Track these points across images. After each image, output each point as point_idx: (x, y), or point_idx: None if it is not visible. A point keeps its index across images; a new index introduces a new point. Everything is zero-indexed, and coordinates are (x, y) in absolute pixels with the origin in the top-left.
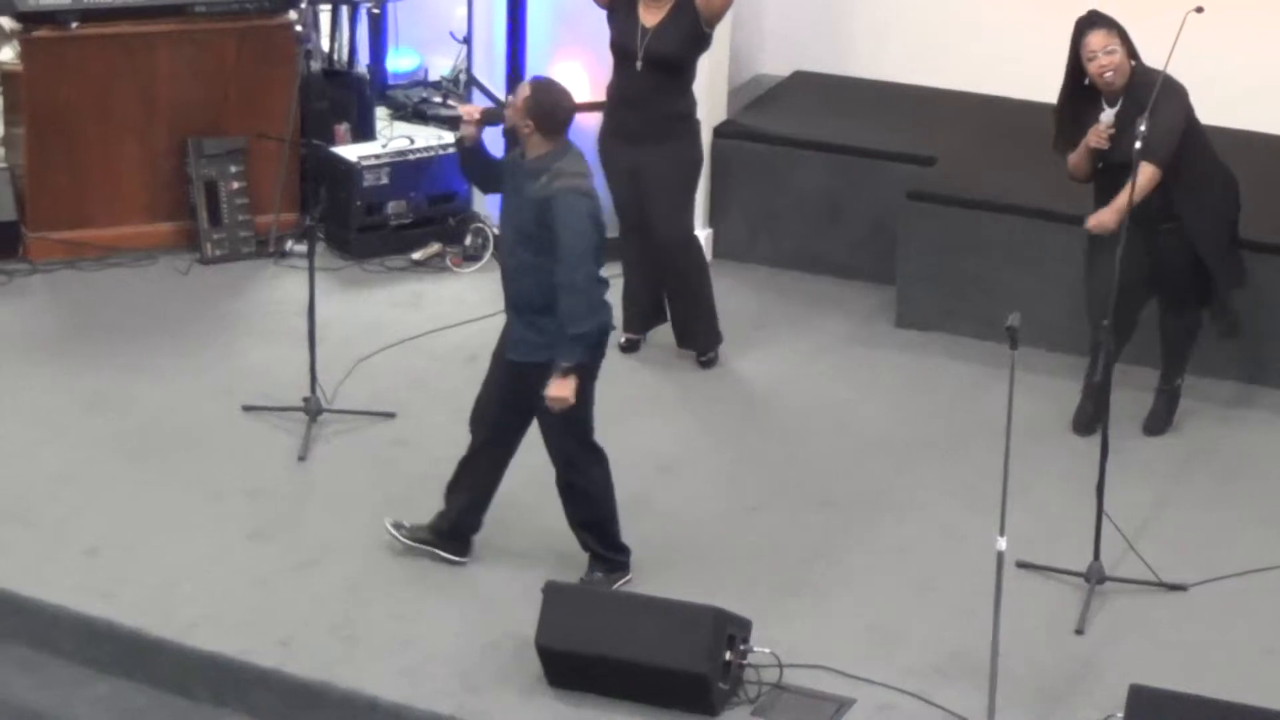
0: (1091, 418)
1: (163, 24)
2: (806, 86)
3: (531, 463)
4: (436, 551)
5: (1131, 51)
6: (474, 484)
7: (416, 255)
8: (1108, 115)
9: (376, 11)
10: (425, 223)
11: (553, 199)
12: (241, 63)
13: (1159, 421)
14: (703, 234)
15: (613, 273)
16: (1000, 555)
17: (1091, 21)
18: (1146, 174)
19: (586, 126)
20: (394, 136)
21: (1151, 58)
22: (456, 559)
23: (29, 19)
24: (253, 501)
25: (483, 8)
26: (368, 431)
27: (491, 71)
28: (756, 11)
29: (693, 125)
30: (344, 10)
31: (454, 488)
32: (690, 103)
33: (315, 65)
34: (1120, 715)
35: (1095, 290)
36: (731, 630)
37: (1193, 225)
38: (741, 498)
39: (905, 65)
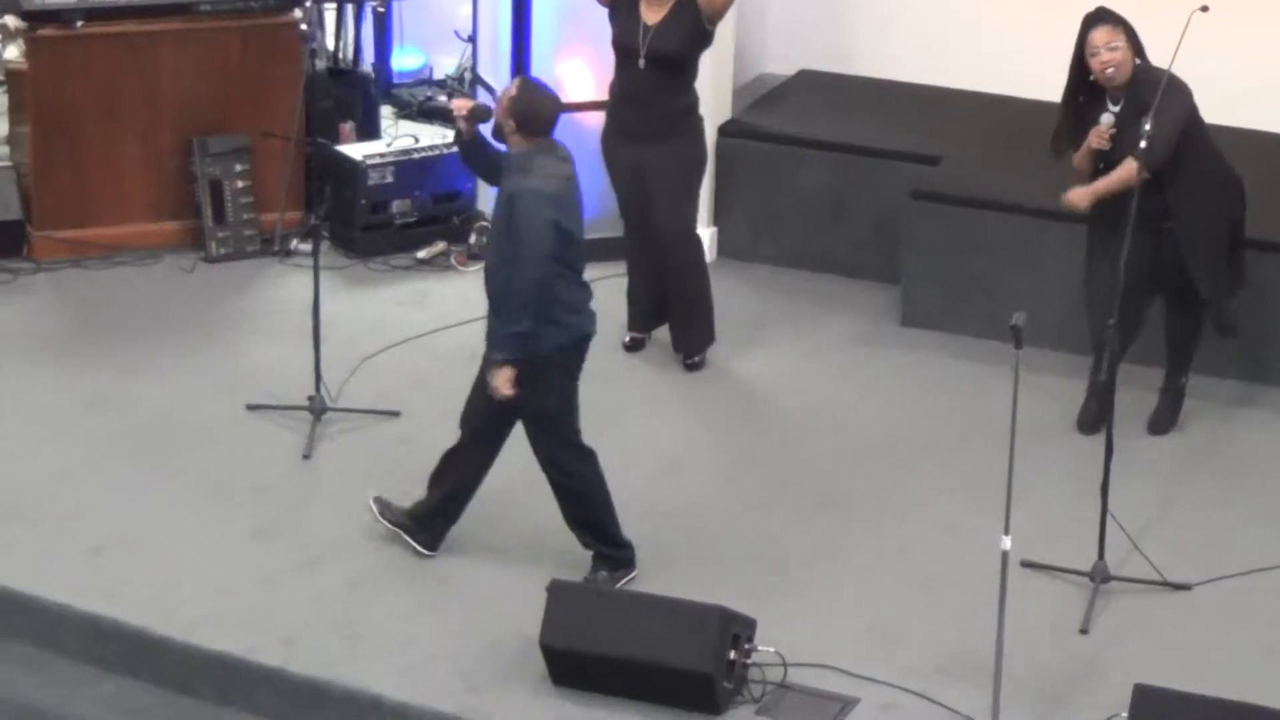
0: (1096, 417)
1: (168, 23)
2: (811, 85)
3: (531, 467)
4: (408, 539)
5: (1137, 49)
6: (456, 478)
7: (421, 254)
8: (1108, 117)
9: (382, 10)
10: (430, 221)
11: (516, 196)
12: (246, 61)
13: (1163, 421)
14: (706, 233)
15: (616, 272)
16: (1005, 554)
17: (1098, 17)
18: (1129, 169)
19: (590, 125)
20: (399, 135)
21: (1156, 56)
22: (425, 551)
23: (34, 17)
24: (257, 500)
25: (488, 6)
26: (372, 430)
27: (496, 70)
28: (761, 10)
29: (695, 122)
30: (349, 8)
31: (436, 479)
32: (693, 99)
33: (320, 64)
34: (1124, 715)
35: (1095, 291)
36: (736, 629)
37: (1186, 226)
38: (745, 497)
39: (910, 64)
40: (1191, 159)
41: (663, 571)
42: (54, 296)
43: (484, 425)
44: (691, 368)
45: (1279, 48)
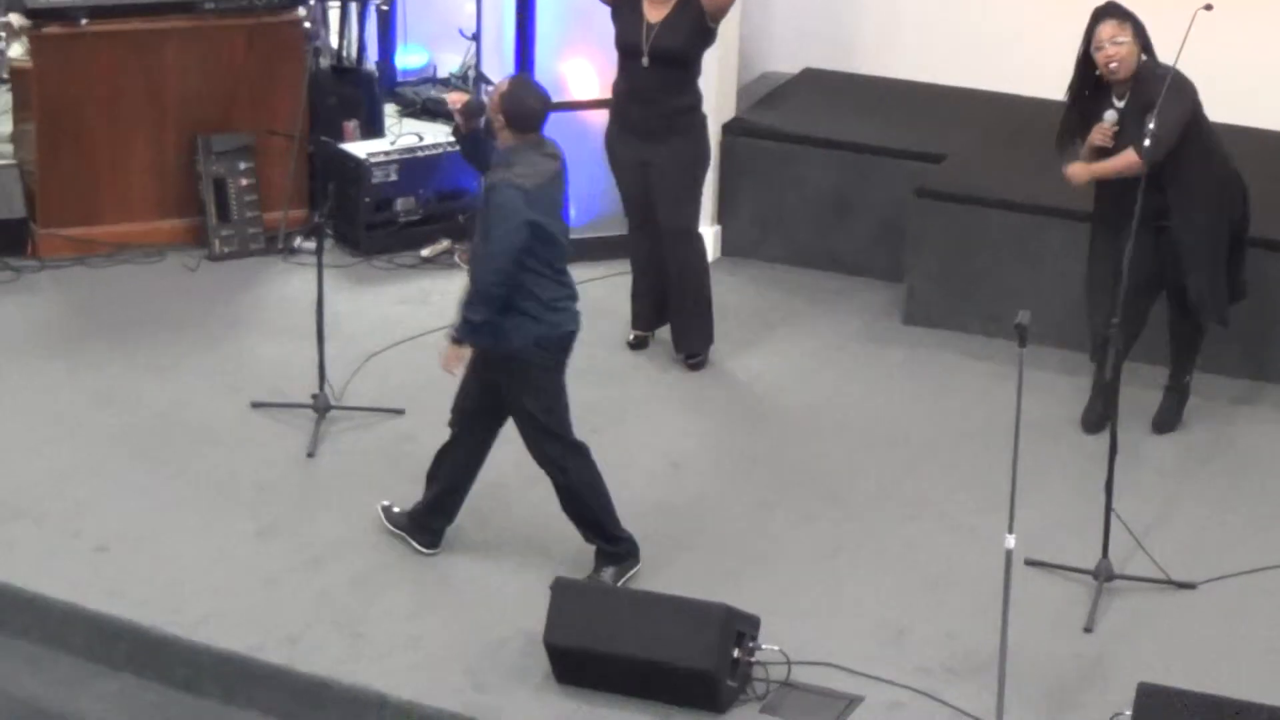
0: (1101, 416)
1: (172, 21)
2: (815, 84)
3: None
4: (408, 539)
5: (1145, 46)
6: (449, 475)
7: (425, 252)
8: (1111, 114)
9: (385, 8)
10: (434, 219)
11: (493, 188)
12: (250, 59)
13: (1168, 419)
14: (710, 231)
15: (620, 270)
16: (1009, 553)
17: (1106, 11)
18: (1129, 157)
19: (593, 123)
20: (403, 133)
21: (1160, 54)
22: (425, 550)
23: (38, 16)
24: (261, 498)
25: (492, 4)
26: (377, 428)
27: (501, 68)
28: (765, 9)
29: (699, 119)
30: (353, 7)
31: (431, 477)
32: (696, 96)
33: (324, 62)
34: (1129, 713)
35: (1095, 291)
36: (740, 627)
37: (1185, 225)
38: (749, 494)
39: (914, 63)
40: (1193, 157)
41: (666, 569)
42: (58, 294)
43: (472, 421)
44: (693, 366)
45: None
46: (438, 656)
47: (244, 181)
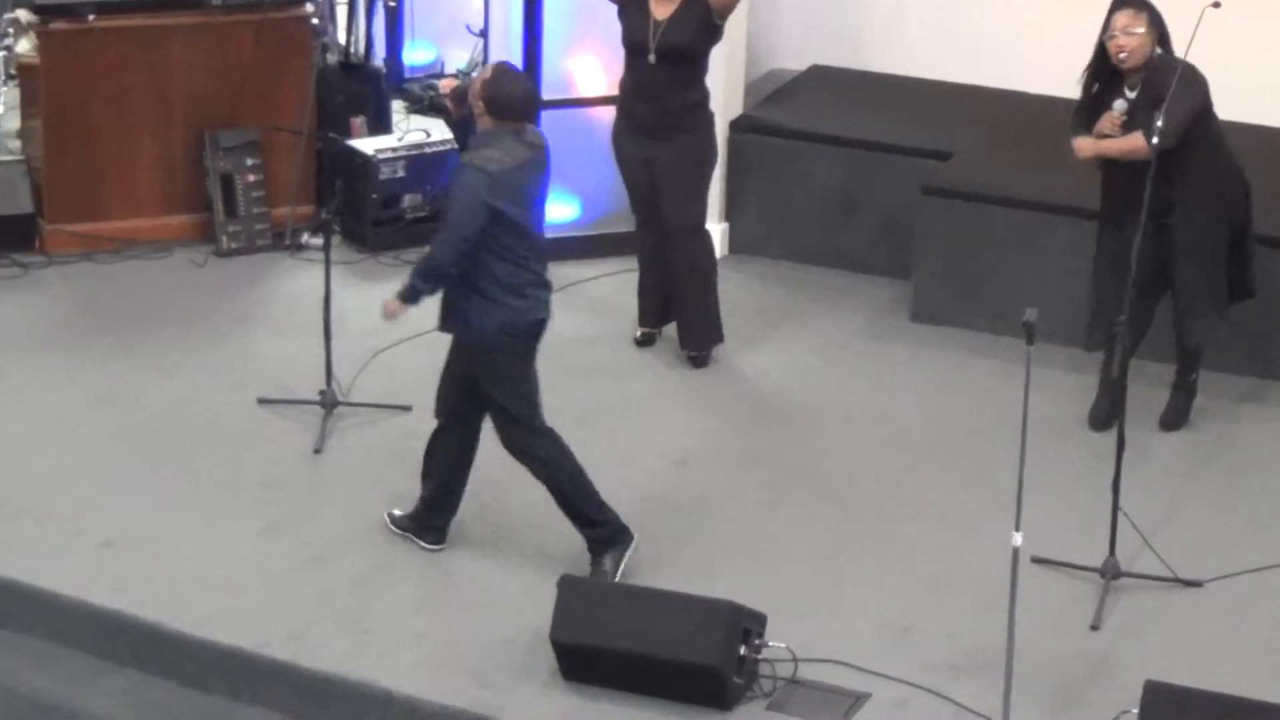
0: (1108, 414)
1: (179, 17)
2: (822, 81)
3: None
4: (413, 539)
5: (1161, 39)
6: (442, 466)
7: None
8: (1121, 103)
9: (393, 4)
10: (441, 216)
11: (460, 168)
12: (258, 55)
13: (1175, 417)
14: (718, 228)
15: (627, 267)
16: (1016, 551)
17: (1125, 0)
18: (1137, 140)
19: (601, 120)
20: (410, 130)
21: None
22: (431, 547)
23: (46, 11)
24: (267, 495)
25: (499, 0)
26: (383, 425)
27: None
28: (773, 6)
29: (705, 117)
30: (361, 3)
31: (425, 473)
32: (703, 95)
33: (331, 58)
34: (1135, 711)
35: (1100, 284)
36: (747, 624)
37: (1186, 222)
38: (756, 492)
39: (921, 60)
40: (1200, 152)
41: (671, 566)
42: (65, 290)
43: (456, 409)
44: (697, 363)
45: None
46: (443, 653)
47: (251, 178)
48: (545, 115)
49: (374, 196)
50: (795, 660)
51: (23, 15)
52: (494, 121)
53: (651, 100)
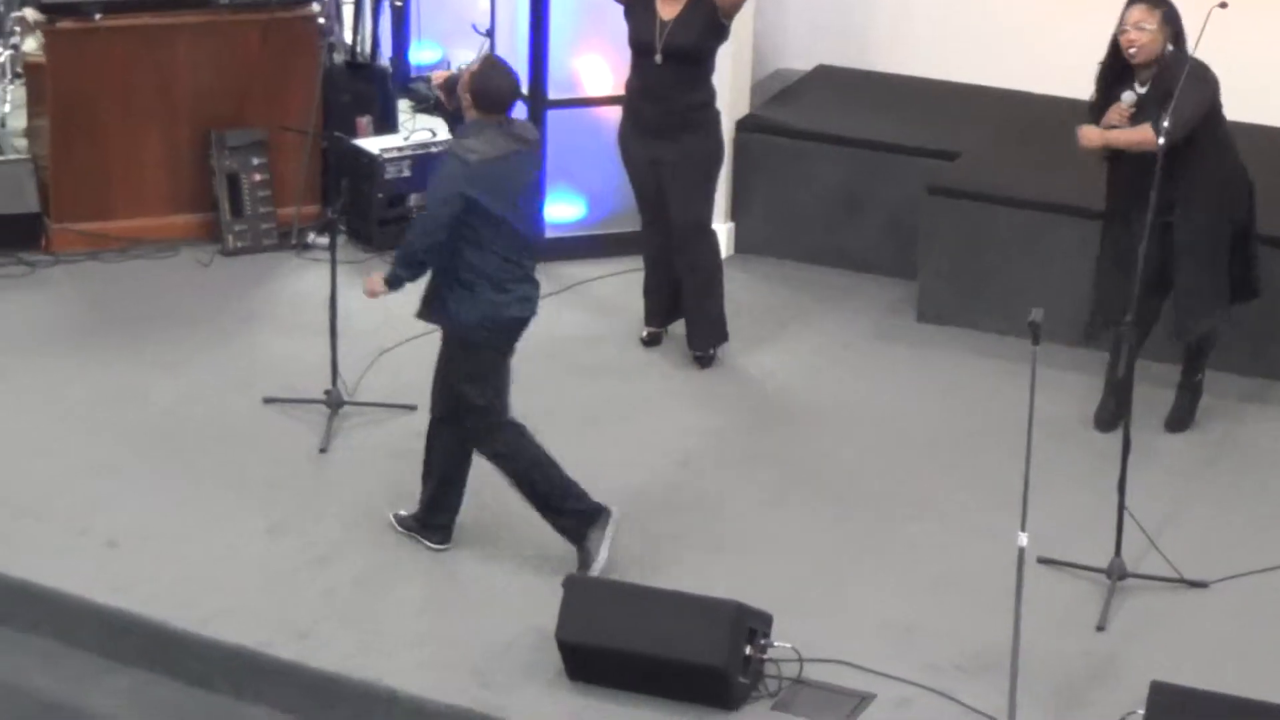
0: (1114, 414)
1: (185, 16)
2: (828, 81)
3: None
4: (418, 539)
5: (1175, 36)
6: (441, 462)
7: None
8: (1129, 95)
9: (399, 4)
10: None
11: (441, 157)
12: (264, 55)
13: (1181, 418)
14: (724, 228)
15: (634, 267)
16: (1021, 551)
17: None
18: (1145, 131)
19: (607, 119)
20: (416, 129)
21: None
22: (436, 546)
23: (52, 10)
24: (273, 494)
25: (505, 0)
26: (389, 424)
27: (514, 65)
28: (779, 5)
29: (712, 117)
30: (367, 2)
31: (425, 472)
32: (709, 94)
33: (338, 57)
34: (1141, 712)
35: (1102, 277)
36: (752, 624)
37: (1182, 219)
38: (761, 492)
39: (927, 60)
40: (1206, 151)
41: (676, 566)
42: (71, 289)
43: (447, 403)
44: (702, 364)
45: None
46: (447, 653)
47: (257, 177)
48: (551, 115)
49: (380, 196)
50: (800, 660)
51: (29, 14)
52: (480, 113)
53: (658, 100)
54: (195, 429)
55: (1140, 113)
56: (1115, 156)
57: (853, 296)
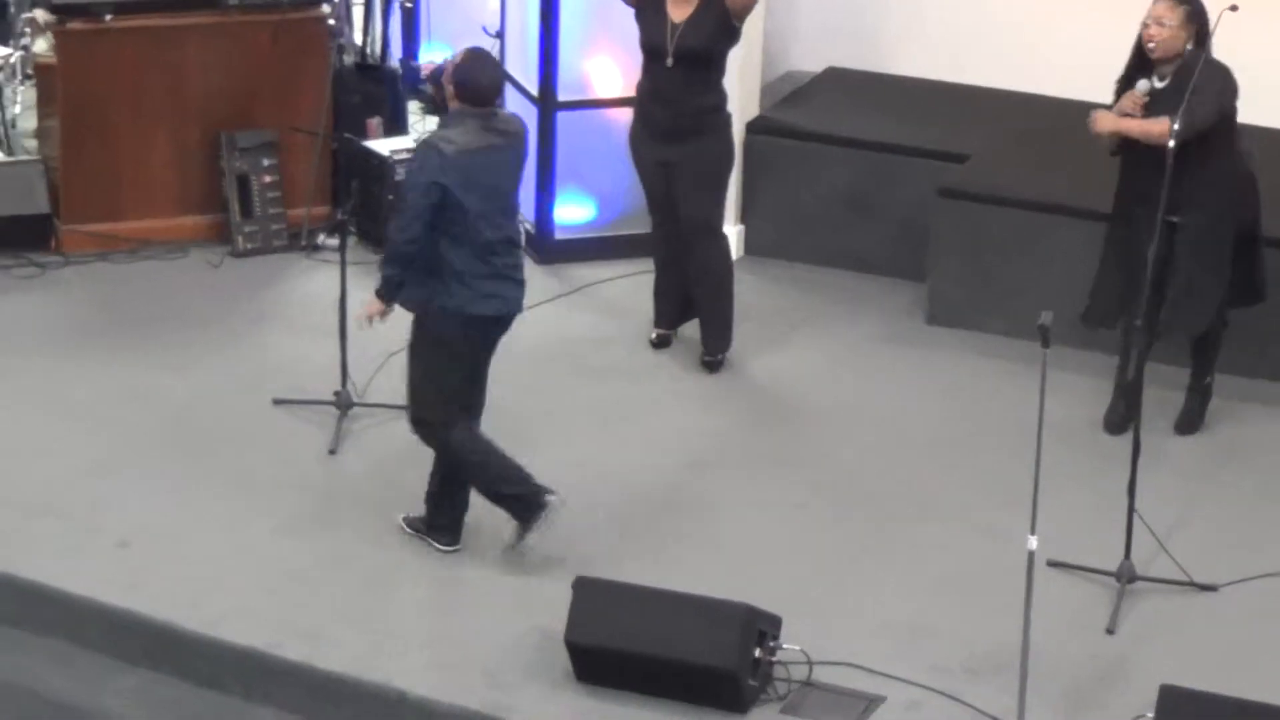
0: (1123, 417)
1: (196, 17)
2: (838, 83)
3: (555, 463)
4: (430, 542)
5: (1198, 35)
6: (440, 461)
7: None
8: (1144, 83)
9: (409, 5)
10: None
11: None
12: (274, 56)
13: (1190, 420)
14: (733, 230)
15: (644, 269)
16: (1031, 554)
17: None
18: (1162, 122)
19: (617, 121)
20: (426, 130)
21: None
22: (445, 548)
23: (63, 11)
24: (283, 495)
25: (516, 2)
26: (398, 425)
27: (525, 66)
28: (789, 7)
29: (723, 119)
30: (377, 4)
31: (432, 472)
32: (720, 96)
33: (348, 59)
34: (1151, 715)
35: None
36: (761, 627)
37: (1193, 221)
38: (772, 494)
39: (937, 62)
40: (1219, 153)
41: (685, 568)
42: (81, 290)
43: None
44: (710, 366)
45: None
46: (456, 654)
47: (267, 178)
48: (561, 116)
49: (390, 197)
50: (810, 663)
51: (40, 15)
52: (461, 105)
53: (669, 103)
54: (205, 430)
55: (1156, 108)
56: (1126, 156)
57: (862, 299)
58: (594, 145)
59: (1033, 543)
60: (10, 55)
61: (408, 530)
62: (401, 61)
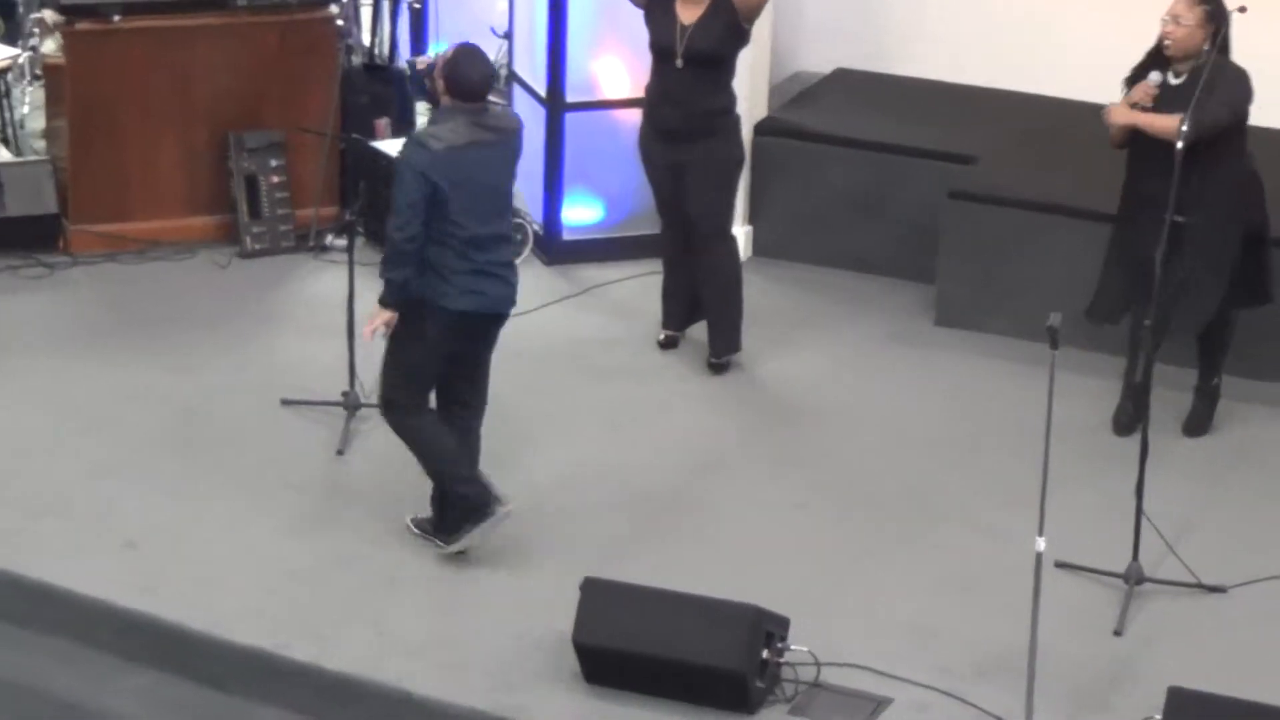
0: (1132, 418)
1: (204, 17)
2: (847, 84)
3: (562, 462)
4: (434, 541)
5: (1215, 37)
6: None
7: None
8: (1155, 75)
9: (418, 6)
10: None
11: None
12: (282, 56)
13: (1199, 422)
14: (742, 232)
15: (652, 270)
16: (1039, 555)
17: None
18: (1172, 119)
19: (626, 122)
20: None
21: None
22: (449, 548)
23: (71, 12)
24: (290, 495)
25: (524, 2)
26: None
27: (533, 67)
28: (797, 8)
29: (732, 121)
30: (385, 4)
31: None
32: (730, 98)
33: (356, 59)
34: (1159, 717)
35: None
36: (769, 628)
37: (1199, 221)
38: (779, 495)
39: (946, 63)
40: (1228, 155)
41: (692, 570)
42: (90, 291)
43: (444, 390)
44: (717, 368)
45: None
46: (464, 655)
47: (275, 179)
48: (570, 116)
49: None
50: (818, 664)
51: (48, 16)
52: (451, 100)
53: (678, 105)
54: (212, 431)
55: (1169, 105)
56: (1133, 156)
57: (870, 300)
58: (602, 146)
59: (1040, 544)
60: (19, 56)
61: (415, 532)
62: (408, 62)
